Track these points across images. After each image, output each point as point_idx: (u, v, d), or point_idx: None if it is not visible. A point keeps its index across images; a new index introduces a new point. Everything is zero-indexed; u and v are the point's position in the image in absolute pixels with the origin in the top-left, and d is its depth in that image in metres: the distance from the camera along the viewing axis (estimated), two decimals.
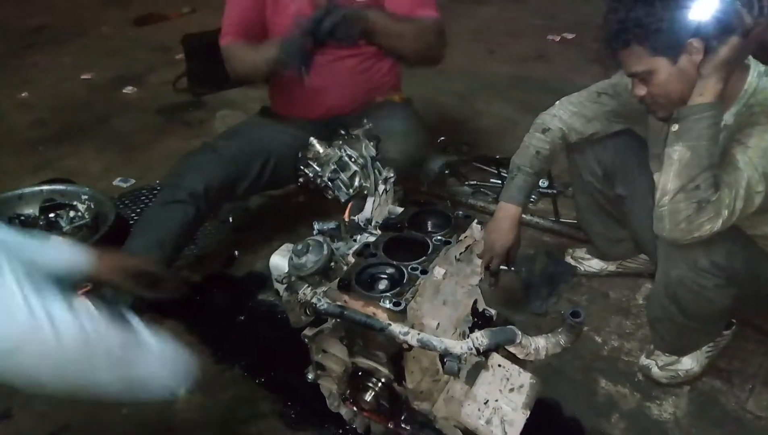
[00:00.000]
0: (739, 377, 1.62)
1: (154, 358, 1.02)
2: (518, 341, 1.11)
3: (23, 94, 3.46)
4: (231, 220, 2.26)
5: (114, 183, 2.58)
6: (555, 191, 2.30)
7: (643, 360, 1.63)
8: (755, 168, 1.21)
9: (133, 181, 2.58)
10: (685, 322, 1.46)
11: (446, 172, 2.44)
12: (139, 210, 2.36)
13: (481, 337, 1.10)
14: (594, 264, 1.94)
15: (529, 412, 1.32)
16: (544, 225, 2.19)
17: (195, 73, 3.31)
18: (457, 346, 1.10)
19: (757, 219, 1.39)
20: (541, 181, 2.32)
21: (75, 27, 4.54)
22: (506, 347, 1.14)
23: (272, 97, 2.17)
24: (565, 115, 1.66)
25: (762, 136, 1.23)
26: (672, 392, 1.59)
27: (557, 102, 1.70)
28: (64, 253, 1.30)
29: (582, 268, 1.95)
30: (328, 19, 1.59)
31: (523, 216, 2.15)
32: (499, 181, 2.37)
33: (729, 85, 1.30)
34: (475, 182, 2.42)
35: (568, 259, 1.98)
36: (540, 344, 1.15)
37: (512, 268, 1.77)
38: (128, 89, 3.45)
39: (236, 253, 2.12)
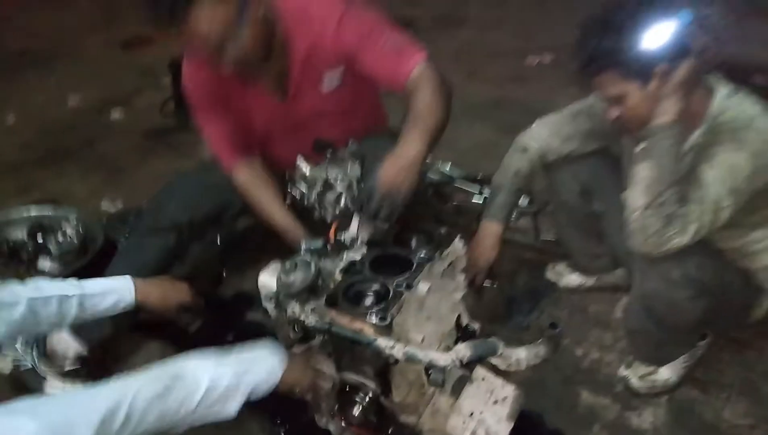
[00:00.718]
0: (716, 387, 1.67)
1: None
2: (500, 353, 1.16)
3: (9, 118, 3.47)
4: (219, 242, 2.29)
5: (102, 205, 2.60)
6: (535, 209, 2.36)
7: (623, 371, 1.68)
8: (722, 184, 1.28)
9: (120, 203, 2.61)
10: (660, 333, 1.52)
11: (429, 192, 2.50)
12: (128, 233, 2.37)
13: (464, 349, 1.15)
14: (573, 279, 2.00)
15: (512, 424, 1.36)
16: (525, 242, 2.25)
17: (182, 98, 3.34)
18: (442, 359, 1.14)
19: (727, 233, 1.46)
20: (521, 199, 2.39)
21: (60, 50, 4.56)
22: (489, 359, 1.19)
23: None
24: (543, 135, 1.72)
25: (727, 154, 1.30)
26: (651, 402, 1.64)
27: (535, 123, 1.77)
28: (108, 291, 1.40)
29: (562, 283, 2.01)
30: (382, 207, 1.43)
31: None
32: (481, 201, 2.43)
33: (696, 107, 1.39)
34: (457, 202, 2.48)
35: (549, 275, 2.04)
36: (521, 356, 1.20)
37: (495, 284, 1.82)
38: (115, 112, 3.47)
39: (224, 273, 2.15)
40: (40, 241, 2.17)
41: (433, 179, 2.55)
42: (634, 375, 1.65)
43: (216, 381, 1.08)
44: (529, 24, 4.50)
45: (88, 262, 2.09)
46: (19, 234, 2.18)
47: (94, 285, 1.38)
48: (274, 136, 1.85)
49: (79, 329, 1.77)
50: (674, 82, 1.27)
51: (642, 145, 1.32)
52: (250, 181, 1.84)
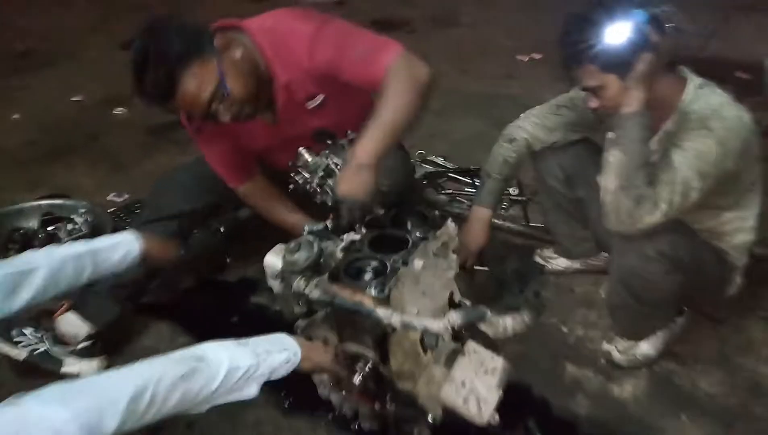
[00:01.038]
0: (692, 359, 1.79)
1: None
2: (488, 319, 1.27)
3: (15, 116, 3.57)
4: (222, 230, 2.39)
5: (108, 198, 2.70)
6: (525, 198, 2.47)
7: (605, 345, 1.79)
8: (690, 167, 1.39)
9: (126, 195, 2.71)
10: (639, 308, 1.63)
11: (424, 182, 2.61)
12: (131, 222, 2.47)
13: (455, 316, 1.25)
14: (560, 262, 2.11)
15: (501, 392, 1.46)
16: (515, 229, 2.37)
17: None
18: (435, 324, 1.25)
19: (700, 215, 1.58)
20: (511, 189, 2.51)
21: (61, 51, 4.66)
22: (477, 325, 1.29)
23: None
24: (529, 126, 1.84)
25: (696, 140, 1.41)
26: (631, 374, 1.75)
27: (522, 115, 1.88)
28: (115, 244, 1.49)
29: (549, 267, 2.12)
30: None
31: (496, 221, 2.34)
32: (473, 190, 2.54)
33: (669, 97, 1.50)
34: (451, 191, 2.59)
35: (537, 259, 2.15)
36: (507, 322, 1.30)
37: (486, 267, 1.93)
38: (118, 110, 3.57)
39: (228, 259, 2.25)
40: (51, 229, 2.27)
41: (428, 170, 2.67)
42: (616, 349, 1.76)
43: (236, 364, 1.15)
44: (520, 24, 4.63)
45: None
46: (32, 223, 2.28)
47: (102, 240, 1.47)
48: (271, 151, 1.95)
49: (86, 312, 1.87)
50: (636, 75, 1.38)
51: (612, 134, 1.43)
52: (256, 195, 1.98)
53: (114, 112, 3.58)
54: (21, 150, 3.17)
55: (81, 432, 0.93)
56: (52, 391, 0.98)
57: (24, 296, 1.35)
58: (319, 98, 1.76)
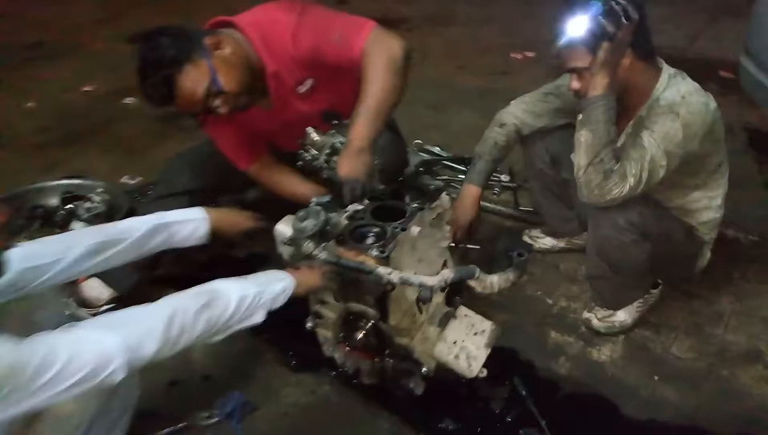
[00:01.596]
0: (665, 328, 1.95)
1: None
2: (477, 276, 1.42)
3: (29, 104, 3.71)
4: None
5: (122, 180, 2.85)
6: (515, 185, 2.63)
7: (585, 314, 1.95)
8: (658, 147, 1.55)
9: (139, 178, 2.86)
10: (615, 277, 1.79)
11: (421, 169, 2.77)
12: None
13: (448, 272, 1.41)
14: (547, 241, 2.27)
15: (489, 350, 1.62)
16: (506, 212, 2.53)
17: None
18: (430, 280, 1.40)
19: (670, 193, 1.75)
20: (503, 176, 2.67)
21: (71, 43, 4.82)
22: (467, 281, 1.44)
23: None
24: (518, 112, 1.99)
25: (664, 123, 1.57)
26: (609, 340, 1.91)
27: (512, 102, 2.04)
28: (186, 219, 1.60)
29: (537, 245, 2.28)
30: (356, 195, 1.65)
31: (488, 205, 2.51)
32: None
33: (645, 83, 1.65)
34: (446, 177, 2.75)
35: (525, 238, 2.31)
36: (494, 280, 1.46)
37: (478, 246, 2.08)
38: (128, 99, 3.72)
39: None
40: (70, 207, 2.42)
41: (425, 158, 2.83)
42: (595, 317, 1.92)
43: (244, 293, 1.30)
44: (514, 22, 4.79)
45: None
46: (52, 201, 2.42)
47: (174, 214, 1.59)
48: (273, 134, 2.09)
49: (107, 278, 2.02)
50: (598, 62, 1.53)
51: (580, 116, 1.59)
52: (266, 172, 2.11)
53: (124, 101, 3.73)
54: (37, 135, 3.31)
55: (126, 354, 1.08)
56: (101, 320, 1.14)
57: (109, 261, 1.47)
58: (309, 82, 1.89)
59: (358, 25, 1.74)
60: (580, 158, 1.57)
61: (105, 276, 2.00)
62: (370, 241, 1.55)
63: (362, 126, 1.68)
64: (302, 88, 1.89)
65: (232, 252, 2.35)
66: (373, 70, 1.68)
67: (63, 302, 1.77)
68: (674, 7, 4.61)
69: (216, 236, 1.67)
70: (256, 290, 1.33)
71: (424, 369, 1.61)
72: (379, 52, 1.69)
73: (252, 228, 1.72)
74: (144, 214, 2.17)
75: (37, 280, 1.34)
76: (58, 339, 1.05)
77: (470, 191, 1.99)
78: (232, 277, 1.37)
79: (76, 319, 1.88)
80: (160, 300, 1.23)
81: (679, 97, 1.60)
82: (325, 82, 1.89)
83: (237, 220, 1.70)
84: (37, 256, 1.34)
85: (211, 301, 1.26)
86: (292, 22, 1.76)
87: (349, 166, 1.66)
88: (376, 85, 1.68)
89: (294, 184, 2.06)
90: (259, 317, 1.35)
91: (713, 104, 1.64)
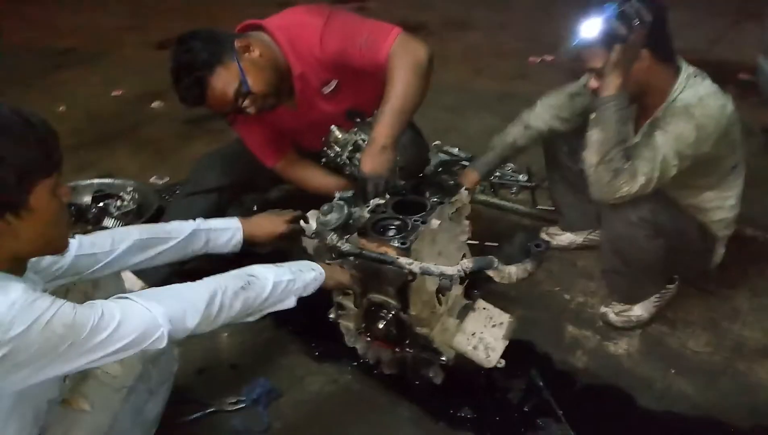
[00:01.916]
0: (682, 323, 1.97)
1: None
2: (495, 266, 1.47)
3: (61, 108, 3.85)
4: (255, 209, 2.61)
5: (150, 180, 2.95)
6: (533, 184, 2.67)
7: (602, 309, 1.99)
8: (670, 147, 1.59)
9: (167, 178, 2.95)
10: (629, 272, 1.83)
11: (440, 170, 2.82)
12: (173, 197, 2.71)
13: (467, 262, 1.46)
14: (564, 239, 2.31)
15: (507, 342, 1.66)
16: (524, 211, 2.57)
17: None
18: (450, 269, 1.45)
19: (685, 192, 1.79)
20: (521, 175, 2.72)
21: (100, 49, 4.98)
22: (486, 272, 1.49)
23: None
24: (547, 117, 2.03)
25: (678, 124, 1.61)
26: (626, 334, 1.94)
27: (539, 102, 2.07)
28: (224, 228, 1.68)
29: (554, 243, 2.31)
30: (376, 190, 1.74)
31: (507, 203, 2.56)
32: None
33: (662, 84, 1.69)
34: None
35: (543, 236, 2.35)
36: (512, 270, 1.50)
37: (496, 244, 2.13)
38: (155, 103, 3.84)
39: None
40: (101, 205, 2.51)
41: (443, 158, 2.88)
42: (612, 311, 1.95)
43: (279, 278, 1.36)
44: (532, 28, 4.83)
45: (144, 222, 2.42)
46: (85, 199, 2.52)
47: (214, 222, 1.67)
48: (298, 133, 2.16)
49: (139, 272, 2.10)
50: (610, 63, 1.57)
51: (593, 115, 1.63)
52: (292, 170, 2.19)
53: (152, 105, 3.85)
54: (68, 137, 3.42)
55: (170, 324, 1.16)
56: (150, 292, 1.23)
57: (155, 259, 1.57)
58: (333, 83, 1.96)
59: (385, 30, 1.81)
60: (590, 156, 1.62)
61: (138, 270, 2.07)
62: (391, 233, 1.61)
63: (386, 125, 1.75)
64: (327, 89, 1.96)
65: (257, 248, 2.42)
66: (398, 72, 1.76)
67: (119, 285, 1.86)
68: (695, 11, 4.62)
69: (249, 244, 1.74)
70: (290, 277, 1.39)
71: (443, 359, 1.66)
72: (405, 56, 1.77)
73: (284, 232, 1.78)
74: (173, 211, 2.29)
75: (92, 268, 1.45)
76: (112, 306, 1.13)
77: (470, 176, 2.06)
78: (267, 264, 1.43)
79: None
80: (202, 280, 1.30)
81: (696, 98, 1.63)
82: (349, 83, 1.96)
83: (270, 227, 1.76)
84: (92, 245, 1.45)
85: (248, 284, 1.32)
86: (319, 25, 1.83)
87: (372, 163, 1.73)
88: (401, 86, 1.76)
89: (318, 178, 2.13)
90: (291, 302, 1.40)
91: (731, 107, 1.66)
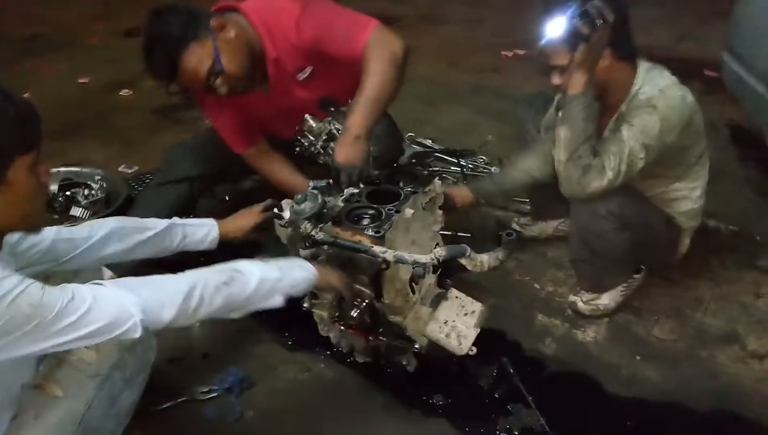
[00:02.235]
0: (648, 312, 2.03)
1: None
2: (468, 255, 1.49)
3: (25, 95, 3.72)
4: (227, 199, 2.59)
5: (119, 169, 2.89)
6: None
7: (571, 297, 2.03)
8: (636, 140, 1.63)
9: (136, 167, 2.91)
10: (597, 262, 1.87)
11: (413, 161, 2.84)
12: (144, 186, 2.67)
13: (440, 251, 1.47)
14: (535, 229, 2.35)
15: (479, 330, 1.69)
16: (497, 203, 2.59)
17: None
18: (423, 257, 1.47)
19: (652, 182, 1.83)
20: (493, 168, 2.75)
21: (67, 37, 4.85)
22: (459, 260, 1.51)
23: None
24: (537, 166, 2.00)
25: (642, 116, 1.65)
26: (594, 322, 1.99)
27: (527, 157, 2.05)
28: (202, 226, 1.68)
29: (526, 233, 2.35)
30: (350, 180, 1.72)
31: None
32: (458, 169, 2.78)
33: (622, 80, 1.72)
34: (438, 169, 2.82)
35: (514, 226, 2.38)
36: (484, 258, 1.53)
37: (469, 234, 2.15)
38: (124, 92, 3.77)
39: None
40: (69, 194, 2.46)
41: (417, 150, 2.90)
42: (581, 300, 1.99)
43: (266, 275, 1.34)
44: (505, 22, 4.86)
45: (113, 211, 2.39)
46: (52, 187, 2.46)
47: (191, 220, 1.68)
48: (270, 121, 2.15)
49: (114, 266, 2.06)
50: (575, 62, 1.60)
51: (560, 114, 1.66)
52: (260, 160, 2.18)
53: (120, 93, 3.77)
54: None
55: (142, 314, 1.14)
56: (125, 281, 1.20)
57: (133, 251, 1.57)
58: (308, 70, 1.96)
59: (362, 22, 1.82)
60: (559, 154, 1.65)
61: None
62: (365, 222, 1.62)
63: (360, 114, 1.75)
64: (302, 75, 1.95)
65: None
66: (374, 64, 1.77)
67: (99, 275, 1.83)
68: (663, 8, 4.72)
69: (225, 241, 1.74)
70: (277, 274, 1.36)
71: (416, 347, 1.67)
72: (381, 47, 1.78)
73: (257, 224, 1.79)
74: (143, 200, 2.26)
75: (69, 253, 1.44)
76: (83, 290, 1.12)
77: (462, 191, 2.04)
78: (255, 259, 1.40)
79: None
80: (184, 272, 1.28)
81: (657, 90, 1.68)
82: (323, 72, 1.96)
83: (243, 222, 1.77)
84: (70, 232, 1.45)
85: (231, 279, 1.29)
86: (296, 11, 1.83)
87: (346, 153, 1.73)
88: (376, 77, 1.76)
89: (284, 173, 2.14)
90: (277, 301, 1.37)
91: (690, 97, 1.71)
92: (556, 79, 1.72)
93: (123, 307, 1.13)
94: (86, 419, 1.32)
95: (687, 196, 1.86)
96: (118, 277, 2.00)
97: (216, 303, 1.26)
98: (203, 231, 1.68)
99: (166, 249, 1.63)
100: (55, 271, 1.45)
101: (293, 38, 1.84)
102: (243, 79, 1.85)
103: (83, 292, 1.11)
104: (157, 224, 1.59)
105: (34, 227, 1.24)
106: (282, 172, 2.16)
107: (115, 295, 1.14)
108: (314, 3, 1.86)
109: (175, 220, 1.65)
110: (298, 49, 1.87)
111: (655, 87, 1.68)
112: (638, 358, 1.86)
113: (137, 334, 1.15)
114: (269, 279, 1.34)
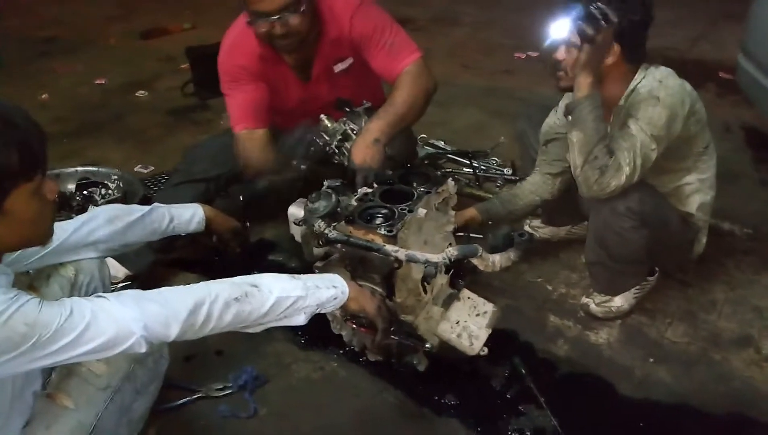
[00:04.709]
0: (661, 314, 2.02)
1: None
2: (480, 254, 1.50)
3: (43, 96, 3.81)
4: (242, 199, 2.61)
5: (135, 169, 2.93)
6: (518, 178, 2.70)
7: (584, 299, 2.02)
8: (645, 132, 1.63)
9: (152, 167, 2.94)
10: (613, 264, 1.87)
11: (426, 162, 2.85)
12: (162, 186, 2.70)
13: (452, 250, 1.49)
14: (547, 231, 2.34)
15: (490, 331, 1.68)
16: None
17: (200, 80, 3.66)
18: (435, 257, 1.48)
19: (665, 178, 1.83)
20: (506, 169, 2.76)
21: (84, 38, 4.92)
22: (470, 260, 1.52)
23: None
24: (541, 188, 2.08)
25: (646, 109, 1.66)
26: (606, 324, 1.98)
27: (529, 178, 2.11)
28: (188, 207, 1.71)
29: (537, 235, 2.35)
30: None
31: (492, 196, 2.58)
32: (470, 171, 2.78)
33: (624, 79, 1.73)
34: (450, 170, 2.83)
35: (527, 228, 2.38)
36: (496, 259, 1.54)
37: (481, 235, 2.16)
38: (140, 93, 3.82)
39: (248, 223, 2.47)
40: (86, 193, 2.50)
41: (429, 151, 2.91)
42: (593, 302, 1.99)
43: (286, 294, 1.27)
44: (518, 24, 4.86)
45: None
46: (69, 187, 2.50)
47: (174, 204, 1.70)
48: (294, 116, 2.15)
49: (124, 260, 2.09)
50: (579, 63, 1.61)
51: (570, 117, 1.67)
52: (252, 143, 2.15)
53: (136, 94, 3.82)
54: (51, 126, 3.39)
55: (144, 331, 1.12)
56: (128, 295, 1.17)
57: (125, 234, 1.57)
58: (348, 61, 2.02)
59: (410, 48, 1.94)
60: (575, 158, 1.65)
61: (122, 258, 2.07)
62: (378, 221, 1.63)
63: (384, 121, 1.81)
64: (341, 66, 2.02)
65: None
66: (409, 87, 1.87)
67: (103, 271, 1.84)
68: (676, 10, 4.69)
69: (209, 228, 1.76)
70: (300, 293, 1.29)
71: (427, 346, 1.68)
72: (419, 77, 1.91)
73: (238, 227, 1.84)
74: (160, 199, 2.24)
75: (60, 238, 1.42)
76: (83, 305, 1.09)
77: (469, 212, 2.08)
78: (283, 274, 1.35)
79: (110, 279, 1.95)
80: (196, 284, 1.24)
81: (656, 82, 1.69)
82: (357, 69, 2.03)
83: (226, 217, 1.82)
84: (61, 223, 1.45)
85: (246, 295, 1.24)
86: (354, 4, 1.92)
87: (363, 155, 1.76)
88: (409, 98, 1.86)
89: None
90: (299, 320, 1.32)
91: (689, 86, 1.73)
92: (560, 54, 1.72)
93: (123, 323, 1.10)
94: (97, 430, 1.31)
95: (699, 189, 1.86)
96: (130, 273, 2.10)
97: (226, 319, 1.22)
98: (188, 212, 1.70)
99: (156, 231, 1.63)
100: (56, 268, 1.46)
101: (346, 28, 1.91)
102: (299, 35, 1.87)
103: (83, 308, 1.08)
104: (144, 208, 1.61)
105: (39, 244, 1.22)
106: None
107: (117, 310, 1.11)
108: (374, 5, 1.94)
109: (158, 204, 1.67)
110: (347, 39, 1.93)
111: (654, 79, 1.70)
112: (651, 360, 1.85)
113: (142, 350, 1.13)
114: (290, 298, 1.28)
